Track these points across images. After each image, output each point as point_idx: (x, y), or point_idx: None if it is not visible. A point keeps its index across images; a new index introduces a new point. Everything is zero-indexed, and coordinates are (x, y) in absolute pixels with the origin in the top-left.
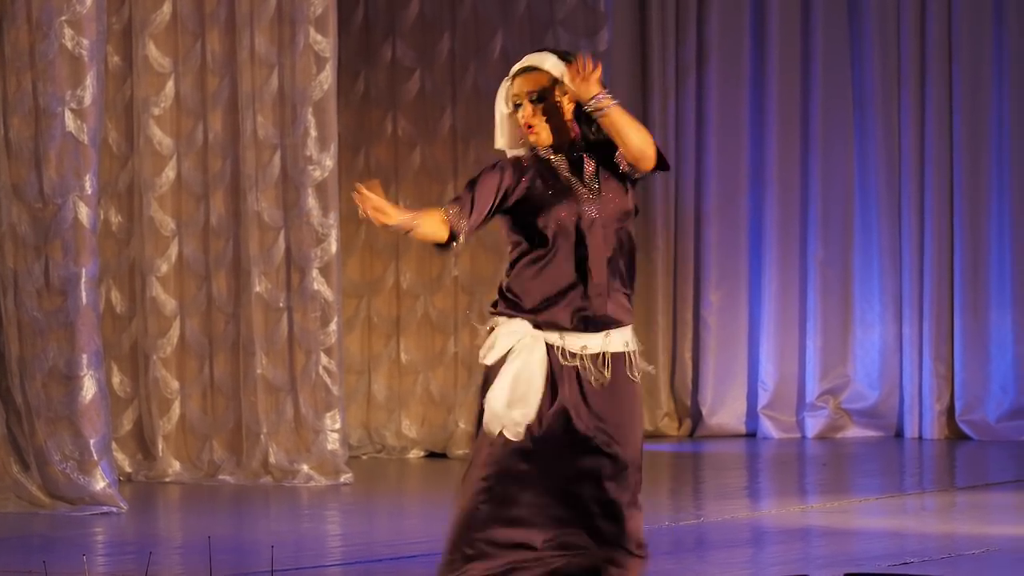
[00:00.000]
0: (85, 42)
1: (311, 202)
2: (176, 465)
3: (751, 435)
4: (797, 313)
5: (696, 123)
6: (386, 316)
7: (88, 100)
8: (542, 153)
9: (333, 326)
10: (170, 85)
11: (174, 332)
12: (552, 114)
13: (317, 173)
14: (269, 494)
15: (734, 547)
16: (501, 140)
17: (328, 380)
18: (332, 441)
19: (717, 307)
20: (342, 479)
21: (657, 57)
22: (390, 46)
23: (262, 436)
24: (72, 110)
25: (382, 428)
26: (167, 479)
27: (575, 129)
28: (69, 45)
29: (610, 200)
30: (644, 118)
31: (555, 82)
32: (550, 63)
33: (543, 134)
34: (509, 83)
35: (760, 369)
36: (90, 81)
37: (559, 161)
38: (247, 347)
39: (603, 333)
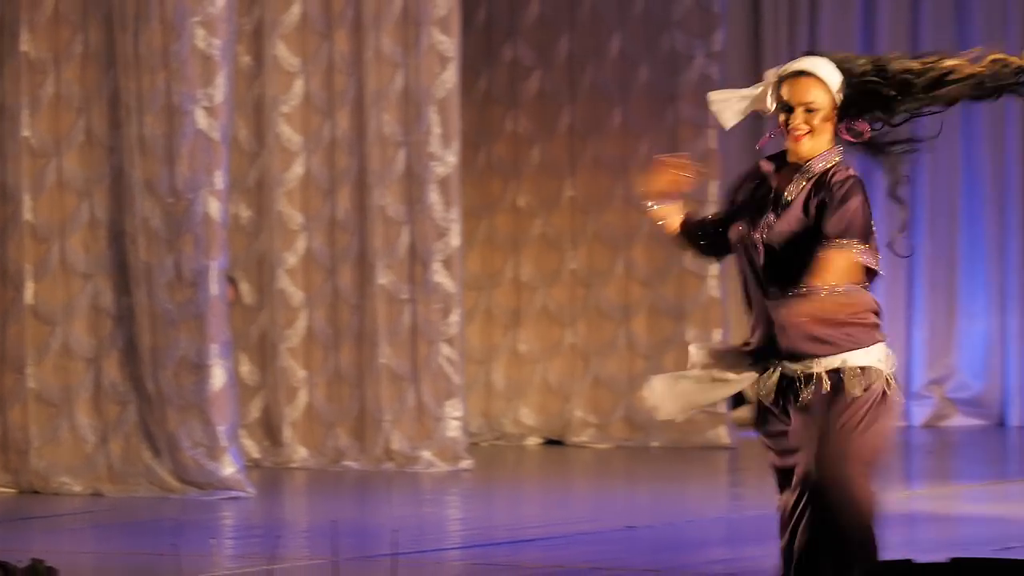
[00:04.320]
0: (217, 42)
1: (434, 197)
2: (302, 451)
3: None
4: (904, 304)
5: None
6: (505, 308)
7: (219, 98)
8: (771, 165)
9: (455, 317)
10: (299, 84)
11: (301, 323)
12: (819, 132)
13: (440, 169)
14: (391, 480)
15: None
16: (730, 116)
17: (449, 369)
18: (453, 428)
19: None
20: (462, 465)
21: (770, 57)
22: (511, 46)
23: (385, 424)
24: (204, 108)
25: (501, 416)
26: (293, 465)
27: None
28: (201, 45)
29: (783, 222)
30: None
31: (831, 98)
32: (825, 71)
33: (805, 146)
34: (778, 81)
35: None
36: (221, 80)
37: (783, 176)
38: (371, 337)
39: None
